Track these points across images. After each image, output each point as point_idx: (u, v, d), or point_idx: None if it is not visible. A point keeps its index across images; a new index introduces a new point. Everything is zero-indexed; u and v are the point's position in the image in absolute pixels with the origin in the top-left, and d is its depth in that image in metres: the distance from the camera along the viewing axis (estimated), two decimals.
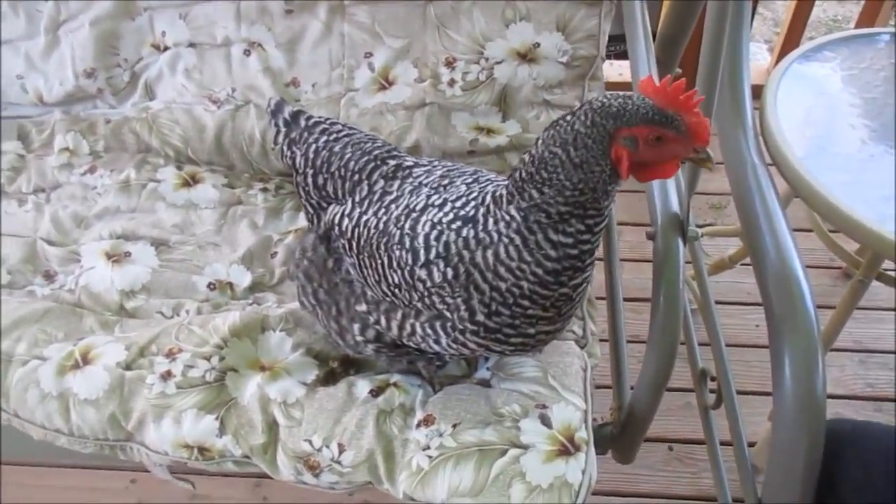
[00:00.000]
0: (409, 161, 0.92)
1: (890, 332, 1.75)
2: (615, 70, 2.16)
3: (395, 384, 1.00)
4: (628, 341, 1.25)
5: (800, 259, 0.93)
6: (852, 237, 1.13)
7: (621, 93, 0.76)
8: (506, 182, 0.81)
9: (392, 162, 0.91)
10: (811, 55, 1.33)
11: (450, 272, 0.80)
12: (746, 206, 1.05)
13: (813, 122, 1.25)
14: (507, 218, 0.77)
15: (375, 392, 0.99)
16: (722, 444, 1.20)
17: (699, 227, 1.81)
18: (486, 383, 1.01)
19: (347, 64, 1.35)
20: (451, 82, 1.33)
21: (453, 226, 0.81)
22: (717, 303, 1.73)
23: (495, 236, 0.78)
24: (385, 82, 1.34)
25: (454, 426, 0.93)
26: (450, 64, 1.33)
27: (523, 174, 0.76)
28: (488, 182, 0.86)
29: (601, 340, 1.18)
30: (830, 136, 1.25)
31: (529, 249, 0.77)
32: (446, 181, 0.87)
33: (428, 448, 0.92)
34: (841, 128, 1.25)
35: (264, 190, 1.32)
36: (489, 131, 1.32)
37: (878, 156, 1.21)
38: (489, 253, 0.78)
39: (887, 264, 1.32)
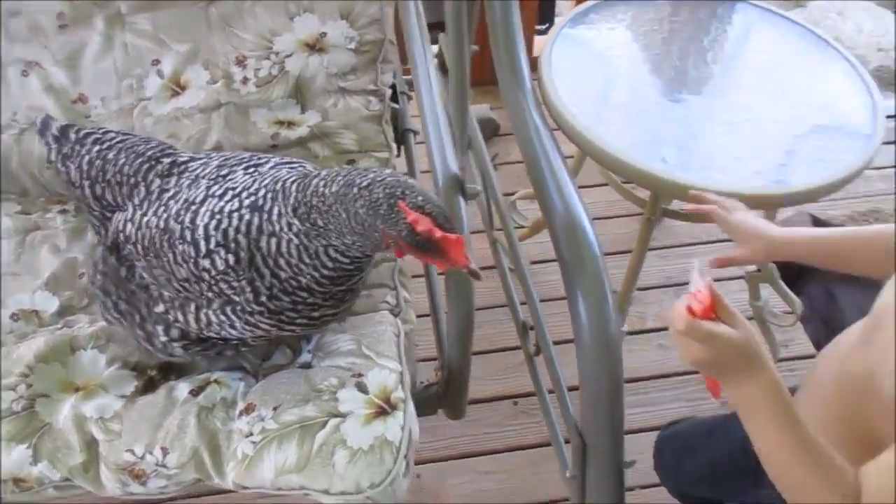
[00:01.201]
0: (185, 156, 0.93)
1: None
2: None
3: (215, 381, 1.00)
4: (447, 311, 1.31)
5: (586, 211, 0.99)
6: (630, 180, 1.24)
7: (402, 182, 0.77)
8: (294, 168, 0.83)
9: (166, 160, 0.92)
10: (578, 19, 1.44)
11: (231, 258, 0.82)
12: (535, 168, 1.12)
13: (586, 81, 1.36)
14: (292, 221, 0.81)
15: (196, 392, 0.99)
16: (550, 391, 1.28)
17: (510, 195, 1.91)
18: (307, 365, 1.04)
19: (135, 74, 1.33)
20: (245, 80, 1.33)
21: (236, 214, 0.83)
22: (540, 262, 1.84)
23: (278, 228, 0.81)
24: (177, 88, 1.33)
25: (275, 409, 0.95)
26: (240, 62, 1.34)
27: (314, 202, 0.79)
28: (272, 168, 0.88)
29: (425, 315, 1.22)
30: (603, 93, 1.36)
31: (309, 255, 0.81)
32: (225, 170, 0.89)
33: (251, 434, 0.93)
34: (611, 83, 1.37)
35: (63, 212, 1.27)
36: (290, 124, 1.34)
37: (647, 104, 1.33)
38: (273, 241, 0.82)
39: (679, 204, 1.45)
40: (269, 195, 0.83)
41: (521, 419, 1.64)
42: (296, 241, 0.80)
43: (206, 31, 1.33)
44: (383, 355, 1.02)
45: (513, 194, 1.92)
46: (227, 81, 1.33)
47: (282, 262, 0.81)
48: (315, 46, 1.34)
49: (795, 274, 1.90)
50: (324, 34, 1.34)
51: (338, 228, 0.79)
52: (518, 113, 1.16)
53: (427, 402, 1.13)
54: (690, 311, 0.68)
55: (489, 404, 1.65)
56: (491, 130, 2.18)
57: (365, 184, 0.77)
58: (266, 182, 0.85)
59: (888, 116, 2.37)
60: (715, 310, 0.69)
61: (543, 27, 2.35)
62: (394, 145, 1.39)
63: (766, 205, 1.28)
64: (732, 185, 1.17)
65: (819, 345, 1.82)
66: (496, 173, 2.08)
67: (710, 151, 1.23)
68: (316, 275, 0.82)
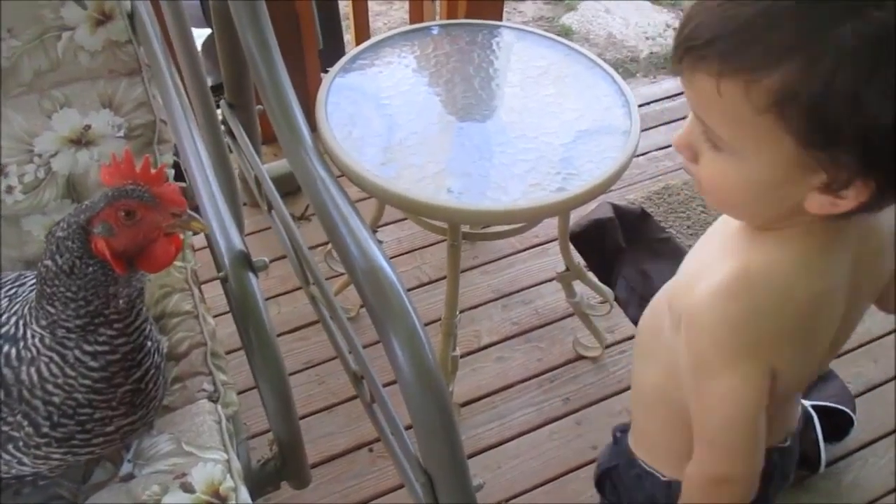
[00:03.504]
0: None
1: (517, 273, 2.01)
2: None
3: None
4: None
5: (381, 250, 1.01)
6: (422, 214, 1.27)
7: None
8: None
9: None
10: (348, 67, 1.47)
11: (1, 393, 0.76)
12: (325, 217, 1.12)
13: (364, 125, 1.39)
14: (40, 334, 0.76)
15: None
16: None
17: (327, 244, 1.91)
18: (130, 477, 0.99)
19: None
20: (9, 189, 1.25)
21: None
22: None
23: (34, 351, 0.77)
24: None
25: None
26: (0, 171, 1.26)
27: (36, 290, 0.75)
28: (31, 286, 0.83)
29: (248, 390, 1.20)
30: (383, 135, 1.39)
31: (70, 364, 0.76)
32: None
33: None
34: (389, 124, 1.40)
35: None
36: None
37: (424, 138, 1.37)
38: (33, 370, 0.77)
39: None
40: (21, 321, 0.78)
41: (379, 464, 1.64)
42: (55, 356, 0.76)
43: None
44: (205, 447, 0.99)
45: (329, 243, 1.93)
46: None
47: (49, 386, 0.77)
48: (81, 141, 1.29)
49: (608, 264, 2.03)
50: (88, 126, 1.29)
51: (59, 294, 0.74)
52: (301, 167, 1.17)
53: (268, 478, 1.11)
54: None
55: (346, 457, 1.64)
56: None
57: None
58: (16, 308, 0.80)
59: (641, 105, 2.60)
60: None
61: None
62: None
63: (554, 212, 1.37)
64: (516, 203, 1.24)
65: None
66: (310, 225, 2.09)
67: (490, 174, 1.30)
68: (87, 382, 0.77)
